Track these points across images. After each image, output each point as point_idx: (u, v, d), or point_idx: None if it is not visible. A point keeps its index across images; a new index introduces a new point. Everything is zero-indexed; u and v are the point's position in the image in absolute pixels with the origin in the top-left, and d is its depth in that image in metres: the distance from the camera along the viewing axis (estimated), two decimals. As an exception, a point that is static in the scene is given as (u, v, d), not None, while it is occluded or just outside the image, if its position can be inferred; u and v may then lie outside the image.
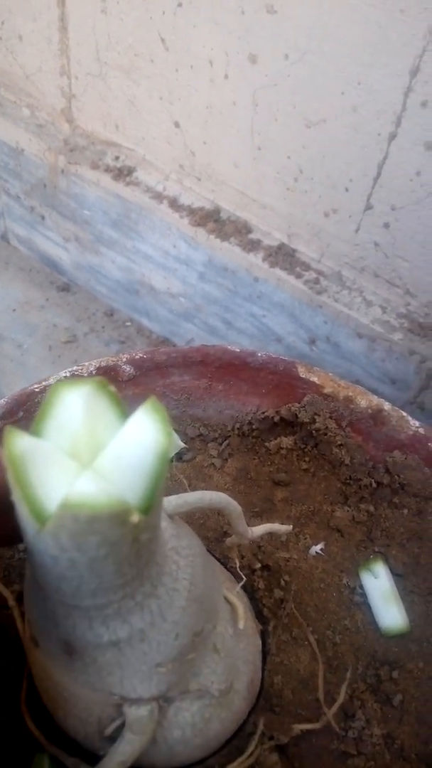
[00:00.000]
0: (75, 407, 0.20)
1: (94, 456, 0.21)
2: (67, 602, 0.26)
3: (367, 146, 0.57)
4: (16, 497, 0.19)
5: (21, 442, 0.19)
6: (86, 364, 0.47)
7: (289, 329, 0.74)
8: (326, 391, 0.49)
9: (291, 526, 0.39)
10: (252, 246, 0.71)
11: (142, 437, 0.20)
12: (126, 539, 0.21)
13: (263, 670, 0.43)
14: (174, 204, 0.74)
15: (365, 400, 0.47)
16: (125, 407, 0.21)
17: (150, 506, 0.21)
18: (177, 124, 0.68)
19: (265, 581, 0.46)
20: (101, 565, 0.22)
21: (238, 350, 0.49)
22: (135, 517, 0.20)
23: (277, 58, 0.57)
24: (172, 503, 0.33)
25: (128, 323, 0.91)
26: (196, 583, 0.32)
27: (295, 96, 0.58)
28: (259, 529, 0.37)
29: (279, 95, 0.59)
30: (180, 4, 0.59)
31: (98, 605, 0.26)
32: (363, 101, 0.54)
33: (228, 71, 0.61)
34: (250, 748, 0.40)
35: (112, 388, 0.21)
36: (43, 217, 0.86)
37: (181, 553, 0.32)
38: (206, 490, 0.38)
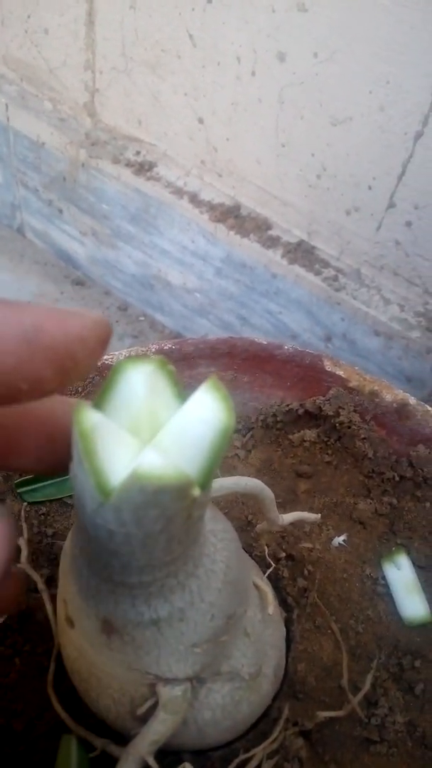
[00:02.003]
0: (138, 385, 0.21)
1: (154, 433, 0.21)
2: (114, 579, 0.26)
3: (392, 145, 0.57)
4: (82, 470, 0.20)
5: (91, 416, 0.19)
6: (116, 353, 0.47)
7: (305, 326, 0.75)
8: (352, 384, 0.49)
9: (319, 515, 0.39)
10: (271, 242, 0.72)
11: (205, 414, 0.20)
12: (182, 514, 0.22)
13: (287, 657, 0.43)
14: (194, 199, 0.74)
15: (390, 394, 0.48)
16: (181, 386, 0.22)
17: (207, 482, 0.21)
18: (201, 120, 0.69)
19: (289, 570, 0.46)
20: (154, 540, 0.23)
21: (265, 342, 0.50)
22: (196, 491, 0.20)
23: (305, 57, 0.58)
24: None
25: (142, 318, 0.92)
26: (231, 566, 0.32)
27: (323, 94, 0.59)
28: (289, 517, 0.37)
29: (306, 93, 0.60)
30: (210, 1, 0.60)
31: (144, 582, 0.27)
32: (391, 100, 0.55)
33: (255, 68, 0.61)
34: (275, 733, 0.40)
35: (171, 367, 0.21)
36: (60, 211, 0.87)
37: (218, 536, 0.32)
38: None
